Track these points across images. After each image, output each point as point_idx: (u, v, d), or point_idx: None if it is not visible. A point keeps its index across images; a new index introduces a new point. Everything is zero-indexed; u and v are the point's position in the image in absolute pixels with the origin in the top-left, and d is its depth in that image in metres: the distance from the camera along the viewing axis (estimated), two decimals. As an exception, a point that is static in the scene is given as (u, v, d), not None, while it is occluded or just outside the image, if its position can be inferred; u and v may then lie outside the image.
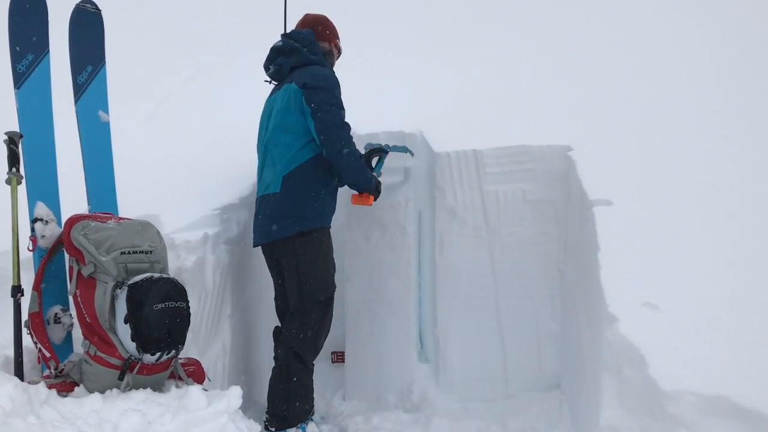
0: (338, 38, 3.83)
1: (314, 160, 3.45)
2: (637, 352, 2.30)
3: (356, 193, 3.68)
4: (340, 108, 3.44)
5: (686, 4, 6.19)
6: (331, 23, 3.82)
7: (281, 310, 3.73)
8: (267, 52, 3.70)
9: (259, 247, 3.68)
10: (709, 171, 3.58)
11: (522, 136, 4.15)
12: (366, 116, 3.84)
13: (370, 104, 4.04)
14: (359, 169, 3.51)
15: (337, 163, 3.42)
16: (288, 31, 3.81)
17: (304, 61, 3.54)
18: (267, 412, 3.51)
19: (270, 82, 3.78)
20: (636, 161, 3.74)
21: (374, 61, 5.97)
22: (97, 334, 2.62)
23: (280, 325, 3.75)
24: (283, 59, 3.58)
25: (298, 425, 3.51)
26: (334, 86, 3.46)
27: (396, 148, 3.99)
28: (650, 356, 2.26)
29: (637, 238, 3.02)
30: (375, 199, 3.69)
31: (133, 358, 2.59)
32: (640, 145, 3.96)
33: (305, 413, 3.55)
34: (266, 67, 3.74)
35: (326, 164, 3.47)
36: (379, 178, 3.74)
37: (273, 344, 3.71)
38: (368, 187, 3.58)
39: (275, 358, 3.63)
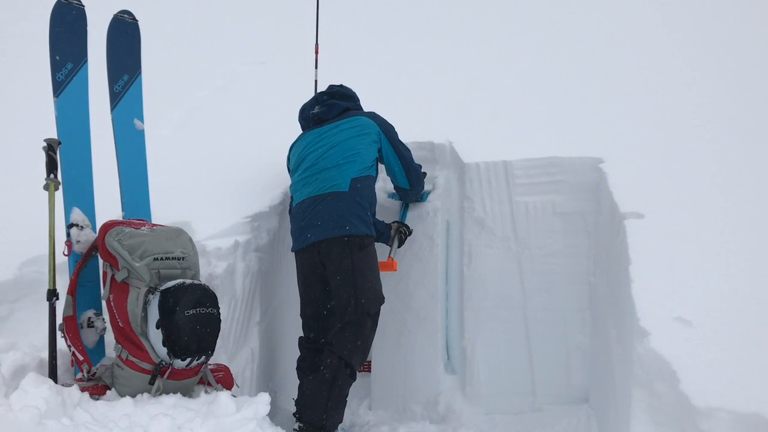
0: None
1: (374, 179, 3.77)
2: (669, 367, 2.27)
3: (381, 260, 3.83)
4: None
5: (714, 8, 6.12)
6: None
7: (314, 319, 3.68)
8: (296, 61, 3.81)
9: (294, 252, 3.70)
10: (742, 183, 3.53)
11: (552, 147, 4.13)
12: (395, 127, 3.86)
13: (399, 115, 4.05)
14: (422, 186, 4.11)
15: (416, 185, 4.01)
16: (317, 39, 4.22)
17: (357, 107, 3.98)
18: (301, 421, 3.46)
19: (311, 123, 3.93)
20: (668, 174, 3.70)
21: (402, 71, 5.99)
22: (129, 338, 2.66)
23: (305, 334, 3.74)
24: (336, 101, 3.88)
25: None
26: None
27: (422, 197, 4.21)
28: (682, 372, 2.23)
29: (669, 251, 2.98)
30: (402, 242, 3.99)
31: (164, 363, 2.63)
32: (672, 157, 3.91)
33: (339, 422, 3.56)
34: (310, 106, 3.93)
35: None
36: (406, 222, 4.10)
37: (300, 353, 3.73)
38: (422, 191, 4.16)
39: (304, 368, 3.64)
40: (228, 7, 7.94)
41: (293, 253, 3.71)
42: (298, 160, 3.78)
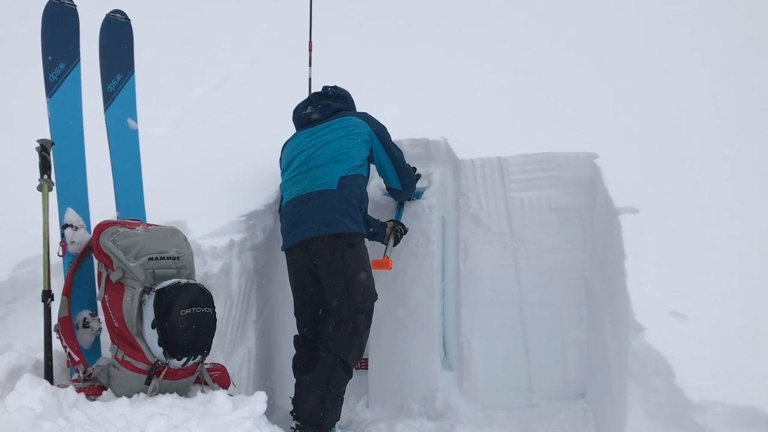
0: None
1: (364, 178, 3.75)
2: (664, 361, 2.28)
3: (376, 258, 3.85)
4: None
5: (709, 5, 6.13)
6: None
7: (307, 317, 3.70)
8: (290, 59, 3.79)
9: (284, 250, 3.70)
10: (737, 178, 3.53)
11: (547, 143, 4.13)
12: (390, 124, 3.86)
13: (394, 112, 4.05)
14: (413, 186, 4.13)
15: (408, 186, 4.02)
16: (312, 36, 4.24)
17: (350, 108, 3.98)
18: (298, 419, 3.47)
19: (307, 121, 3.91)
20: (662, 169, 3.70)
21: (396, 68, 5.98)
22: (124, 338, 2.65)
23: (300, 332, 3.74)
24: (329, 102, 3.89)
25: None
26: None
27: (416, 195, 4.22)
28: (678, 366, 2.23)
29: (664, 246, 2.99)
30: (398, 240, 4.02)
31: (159, 362, 2.62)
32: (667, 152, 3.92)
33: (336, 419, 3.57)
34: (303, 107, 3.93)
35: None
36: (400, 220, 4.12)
37: (296, 351, 3.73)
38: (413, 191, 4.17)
39: (300, 366, 3.65)
40: (222, 5, 7.92)
41: (283, 251, 3.71)
42: (288, 159, 3.79)
